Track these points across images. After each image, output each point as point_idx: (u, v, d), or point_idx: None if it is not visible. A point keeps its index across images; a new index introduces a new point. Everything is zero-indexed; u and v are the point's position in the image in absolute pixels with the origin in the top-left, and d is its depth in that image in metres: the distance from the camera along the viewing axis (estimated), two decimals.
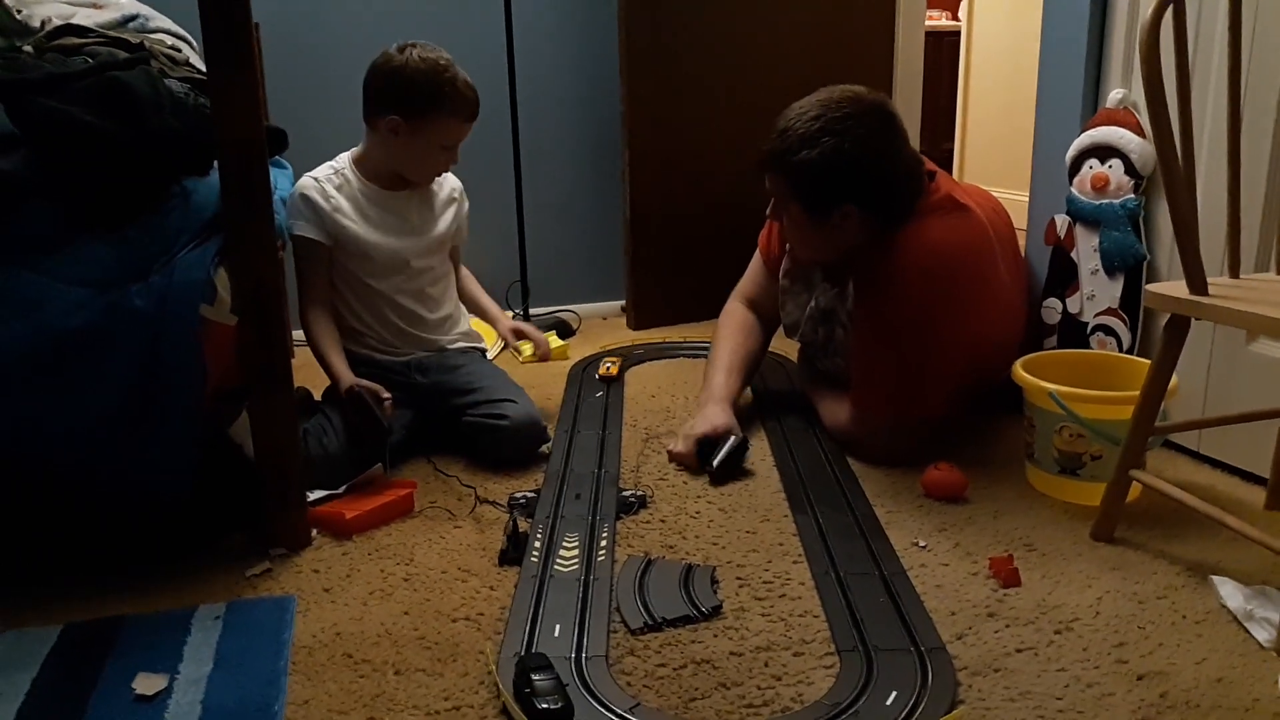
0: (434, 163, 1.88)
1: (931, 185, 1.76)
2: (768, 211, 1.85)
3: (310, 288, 1.85)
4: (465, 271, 2.14)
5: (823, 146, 1.65)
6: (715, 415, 1.84)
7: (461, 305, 2.08)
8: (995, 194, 2.07)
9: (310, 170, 1.88)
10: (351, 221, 1.85)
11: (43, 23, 1.56)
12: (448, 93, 1.79)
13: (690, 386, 2.25)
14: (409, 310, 1.92)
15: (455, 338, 2.00)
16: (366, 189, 1.88)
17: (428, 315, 1.95)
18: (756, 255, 2.09)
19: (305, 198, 1.83)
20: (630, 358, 2.47)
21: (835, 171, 1.66)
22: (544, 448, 1.84)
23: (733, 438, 1.77)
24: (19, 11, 1.55)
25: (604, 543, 1.49)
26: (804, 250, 1.88)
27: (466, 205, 2.04)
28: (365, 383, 1.74)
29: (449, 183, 2.01)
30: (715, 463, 1.73)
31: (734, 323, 2.07)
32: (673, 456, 1.82)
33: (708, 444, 1.78)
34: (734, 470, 1.75)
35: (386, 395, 1.73)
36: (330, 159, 1.91)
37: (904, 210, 1.72)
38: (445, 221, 1.97)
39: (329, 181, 1.86)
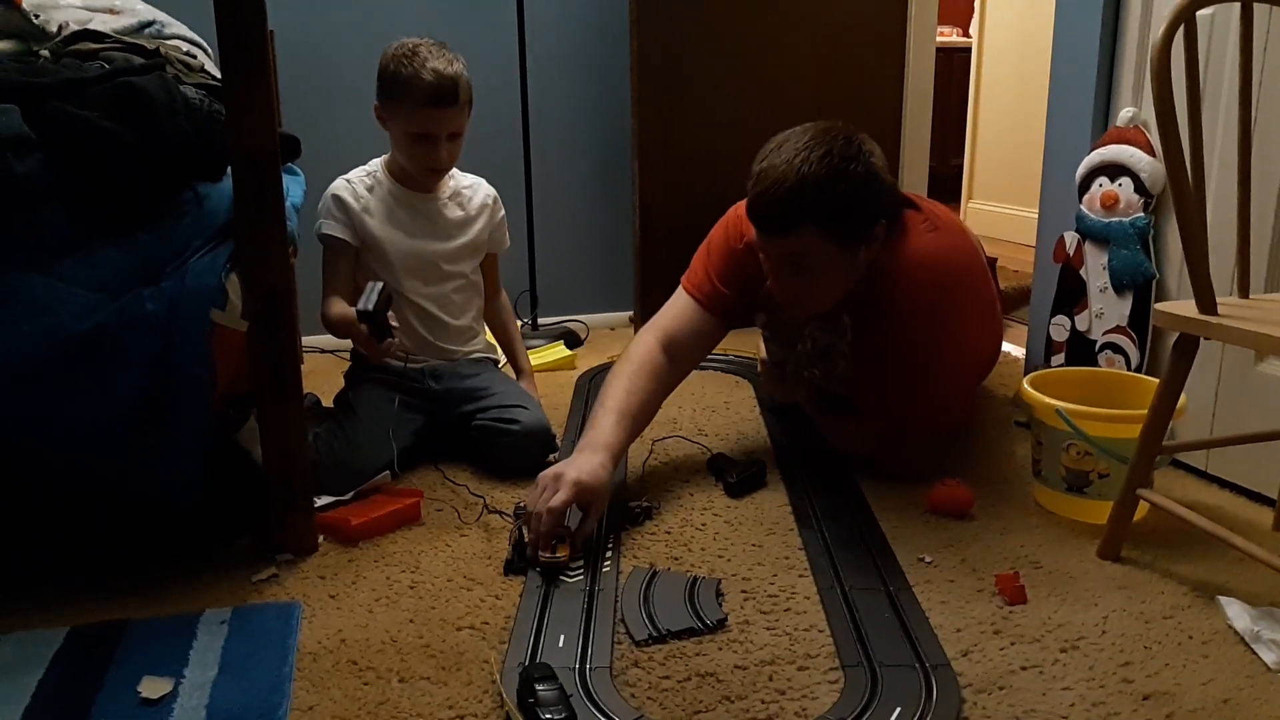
0: (416, 154, 1.86)
1: (911, 211, 1.74)
2: (769, 279, 1.70)
3: (332, 284, 1.86)
4: (505, 303, 2.16)
5: (851, 175, 1.58)
6: (586, 466, 1.51)
7: (483, 321, 2.08)
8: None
9: (323, 176, 1.90)
10: (378, 222, 1.88)
11: (59, 28, 1.57)
12: (404, 76, 1.78)
13: (696, 397, 2.25)
14: (431, 315, 1.93)
15: (472, 349, 2.00)
16: (396, 190, 1.91)
17: (450, 321, 1.96)
18: (683, 295, 1.85)
19: (336, 198, 1.87)
20: None
21: (870, 191, 1.62)
22: (551, 457, 1.84)
23: (750, 462, 1.78)
24: (36, 16, 1.56)
25: (609, 554, 1.49)
26: (821, 299, 1.72)
27: (502, 213, 2.05)
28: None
29: (482, 190, 2.02)
30: (732, 480, 1.73)
31: (639, 363, 1.74)
32: (521, 514, 1.52)
33: (723, 462, 1.80)
34: (753, 488, 1.75)
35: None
36: (342, 166, 1.93)
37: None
38: (476, 228, 1.98)
39: (360, 183, 1.89)
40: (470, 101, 1.87)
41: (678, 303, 1.85)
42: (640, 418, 1.70)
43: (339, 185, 1.88)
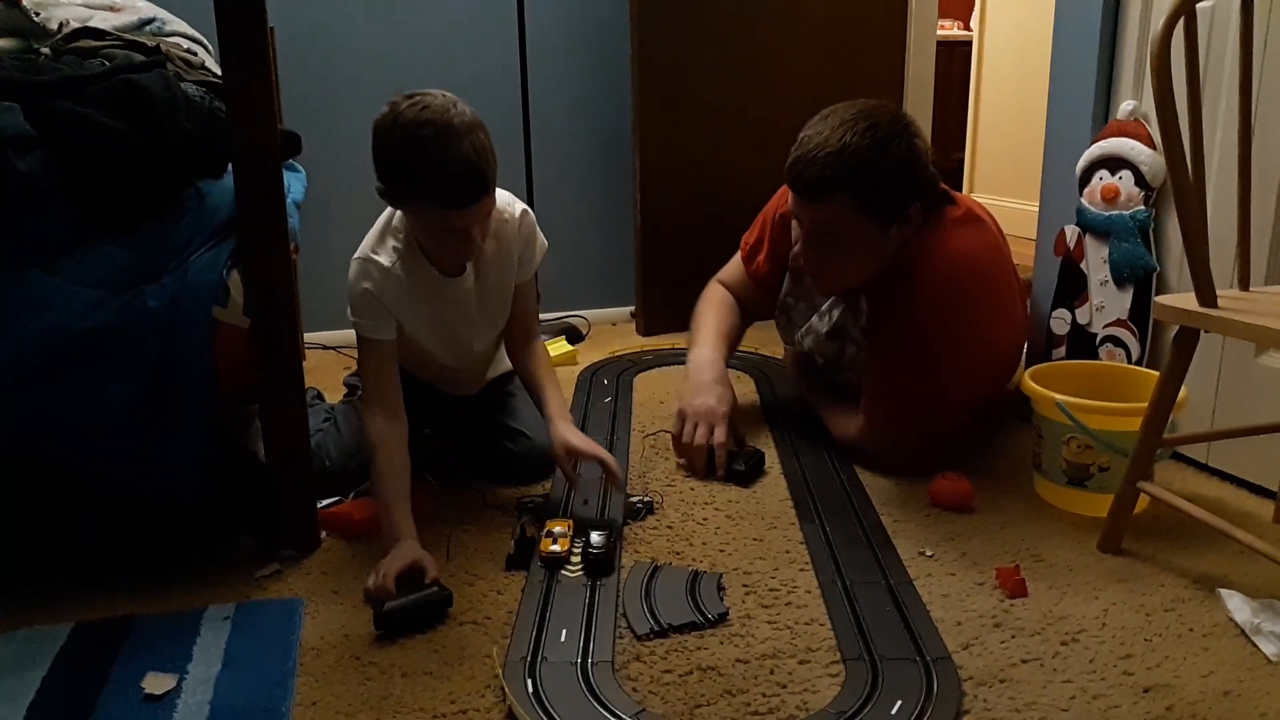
0: (444, 247, 1.55)
1: (950, 207, 1.76)
2: (798, 246, 1.78)
3: (378, 392, 1.55)
4: (538, 352, 1.78)
5: (893, 150, 1.61)
6: (711, 394, 1.86)
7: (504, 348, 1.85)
8: (1005, 204, 2.07)
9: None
10: (411, 317, 1.61)
11: (60, 25, 1.57)
12: (413, 173, 1.42)
13: None
14: (459, 375, 1.80)
15: (497, 372, 1.89)
16: (430, 275, 1.60)
17: (479, 375, 1.85)
18: (738, 262, 2.09)
19: (367, 293, 1.54)
20: (639, 364, 2.48)
21: (910, 170, 1.64)
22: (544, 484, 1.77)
23: (753, 450, 1.82)
24: (37, 14, 1.56)
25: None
26: (847, 274, 1.75)
27: (538, 248, 1.75)
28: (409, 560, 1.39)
29: (515, 242, 1.67)
30: (741, 468, 1.76)
31: (718, 299, 2.10)
32: (682, 450, 1.82)
33: (729, 453, 1.81)
34: (757, 477, 1.78)
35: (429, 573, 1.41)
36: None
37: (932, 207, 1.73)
38: (509, 296, 1.75)
39: (392, 273, 1.56)
40: (496, 165, 1.48)
41: (734, 268, 2.11)
42: (731, 338, 2.04)
43: (368, 276, 1.54)
